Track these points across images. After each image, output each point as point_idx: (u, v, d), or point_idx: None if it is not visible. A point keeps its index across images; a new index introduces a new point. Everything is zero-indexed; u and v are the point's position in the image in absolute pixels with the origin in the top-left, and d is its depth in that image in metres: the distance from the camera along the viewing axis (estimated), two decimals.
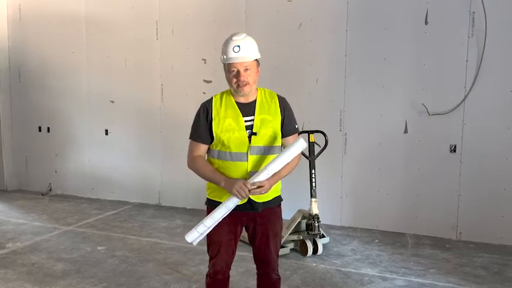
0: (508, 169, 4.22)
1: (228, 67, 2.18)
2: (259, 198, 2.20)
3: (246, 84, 2.14)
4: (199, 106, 2.31)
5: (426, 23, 4.37)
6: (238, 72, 2.14)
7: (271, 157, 2.22)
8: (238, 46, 2.13)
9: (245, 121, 2.19)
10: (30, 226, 4.74)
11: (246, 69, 2.15)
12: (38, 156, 6.32)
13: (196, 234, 2.16)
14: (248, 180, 2.10)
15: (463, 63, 4.29)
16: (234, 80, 2.15)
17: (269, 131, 2.21)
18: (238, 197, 2.08)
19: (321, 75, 4.80)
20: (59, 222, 4.90)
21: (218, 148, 2.21)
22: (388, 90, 4.56)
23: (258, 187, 2.08)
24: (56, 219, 5.00)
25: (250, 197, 2.17)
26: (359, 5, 4.58)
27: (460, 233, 4.42)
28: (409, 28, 4.43)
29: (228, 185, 2.11)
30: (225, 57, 2.17)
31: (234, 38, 2.17)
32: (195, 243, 2.18)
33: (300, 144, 2.16)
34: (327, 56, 4.75)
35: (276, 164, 2.11)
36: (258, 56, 2.21)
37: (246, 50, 2.14)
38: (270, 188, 2.13)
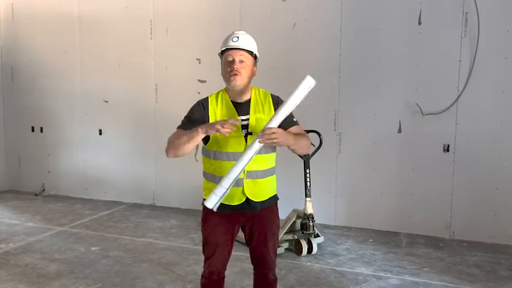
0: (501, 168, 4.25)
1: (224, 57, 2.20)
2: (257, 197, 2.20)
3: (238, 74, 2.14)
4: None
5: (419, 23, 4.40)
6: (233, 61, 2.16)
7: (267, 156, 2.23)
8: (238, 37, 2.19)
9: (241, 120, 2.18)
10: (23, 227, 4.71)
11: (241, 61, 2.16)
12: (31, 156, 6.28)
13: (216, 198, 2.01)
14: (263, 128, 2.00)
15: (456, 63, 4.32)
16: (228, 69, 2.16)
17: None
18: (222, 131, 1.94)
19: (315, 75, 4.73)
20: (53, 222, 4.87)
21: (214, 148, 2.19)
22: (382, 90, 4.58)
23: (272, 133, 1.95)
24: (49, 220, 4.97)
25: (248, 196, 2.17)
26: (353, 5, 4.60)
27: (454, 232, 4.45)
28: (403, 28, 4.46)
29: (207, 125, 2.01)
30: (223, 46, 2.21)
31: (234, 32, 2.24)
32: (215, 209, 2.04)
33: (307, 81, 2.04)
34: (321, 56, 4.76)
35: (285, 107, 2.02)
36: (255, 50, 2.23)
37: (244, 41, 2.19)
38: (283, 140, 2.00)
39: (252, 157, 2.00)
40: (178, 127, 2.22)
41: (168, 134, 5.48)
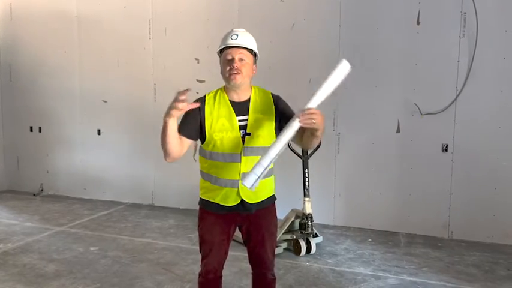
0: (499, 168, 4.26)
1: (223, 56, 2.15)
2: (251, 199, 2.18)
3: (239, 73, 2.10)
4: None
5: (418, 23, 4.40)
6: (232, 59, 2.11)
7: None
8: (237, 35, 2.15)
9: (239, 121, 2.15)
10: (22, 227, 4.70)
11: (241, 60, 2.12)
12: (30, 156, 6.27)
13: (254, 177, 1.95)
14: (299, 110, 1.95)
15: (454, 63, 4.32)
16: (228, 67, 2.11)
17: (263, 131, 2.16)
18: (174, 111, 1.90)
19: (313, 75, 4.80)
20: (51, 222, 4.87)
21: (210, 148, 2.17)
22: (381, 90, 4.58)
23: (313, 113, 1.89)
24: (48, 220, 4.96)
25: (243, 198, 2.15)
26: (352, 5, 4.60)
27: (452, 231, 4.46)
28: (402, 28, 4.46)
29: (167, 110, 1.95)
30: (222, 44, 2.17)
31: (234, 30, 2.20)
32: (254, 188, 1.97)
33: (343, 65, 1.98)
34: (319, 56, 4.76)
35: (324, 89, 1.97)
36: (255, 48, 2.19)
37: (243, 39, 2.15)
38: (320, 122, 1.92)
39: (290, 137, 1.96)
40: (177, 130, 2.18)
41: None
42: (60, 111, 6.02)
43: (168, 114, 1.96)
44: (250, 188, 1.97)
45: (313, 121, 1.89)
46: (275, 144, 1.97)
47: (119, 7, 5.55)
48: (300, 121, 1.91)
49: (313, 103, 1.95)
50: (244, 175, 2.01)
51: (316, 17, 4.74)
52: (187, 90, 1.93)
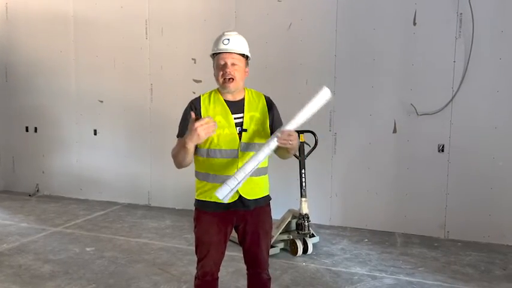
0: (495, 168, 4.28)
1: (216, 60, 2.18)
2: (249, 195, 2.20)
3: (232, 79, 2.13)
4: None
5: (414, 23, 4.41)
6: (225, 64, 2.14)
7: None
8: (228, 39, 2.17)
9: (234, 118, 2.19)
10: (17, 227, 4.68)
11: (233, 64, 2.15)
12: (25, 156, 6.25)
13: (228, 189, 2.01)
14: (278, 129, 2.08)
15: (450, 64, 4.34)
16: (221, 73, 2.15)
17: (259, 127, 2.22)
18: (197, 134, 1.94)
19: (310, 76, 4.81)
20: (47, 223, 4.85)
21: (207, 146, 2.18)
22: (377, 90, 4.59)
23: (290, 135, 2.02)
24: (44, 220, 4.94)
25: (241, 194, 2.16)
26: (348, 6, 4.61)
27: (448, 231, 4.47)
28: (398, 29, 4.47)
29: (188, 136, 1.98)
30: (215, 49, 2.19)
31: (225, 33, 2.21)
32: (226, 200, 2.05)
33: (325, 92, 2.14)
34: (316, 56, 4.77)
35: (303, 113, 2.10)
36: (247, 52, 2.22)
37: (235, 44, 2.17)
38: (295, 144, 2.07)
39: (267, 154, 2.06)
40: (177, 136, 2.23)
41: (164, 134, 5.48)
42: (56, 112, 6.00)
43: (191, 139, 1.98)
44: (223, 199, 2.03)
45: (290, 142, 2.02)
46: (252, 160, 2.04)
47: (115, 7, 5.54)
48: (278, 141, 2.02)
49: (292, 125, 2.08)
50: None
51: (313, 17, 4.75)
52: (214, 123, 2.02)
